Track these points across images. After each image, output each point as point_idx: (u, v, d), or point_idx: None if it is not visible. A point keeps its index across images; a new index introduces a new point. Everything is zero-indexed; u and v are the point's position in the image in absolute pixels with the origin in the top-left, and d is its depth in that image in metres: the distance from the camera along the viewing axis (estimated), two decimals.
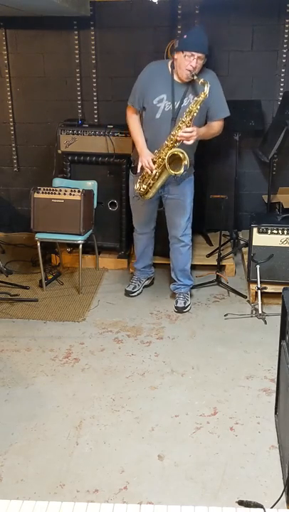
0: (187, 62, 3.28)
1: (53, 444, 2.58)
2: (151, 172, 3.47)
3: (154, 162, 3.46)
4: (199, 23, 4.49)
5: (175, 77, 3.42)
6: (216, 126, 3.55)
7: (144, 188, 3.58)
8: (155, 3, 4.13)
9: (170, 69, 3.44)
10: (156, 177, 3.49)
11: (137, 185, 3.60)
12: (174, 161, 3.38)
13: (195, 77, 3.29)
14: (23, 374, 3.15)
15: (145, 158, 3.47)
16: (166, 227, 3.87)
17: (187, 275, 3.96)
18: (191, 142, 3.32)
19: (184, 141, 3.32)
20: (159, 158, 3.43)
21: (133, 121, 3.61)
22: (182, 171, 3.37)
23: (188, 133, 3.28)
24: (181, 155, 3.33)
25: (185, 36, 3.33)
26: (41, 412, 2.81)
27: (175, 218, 3.75)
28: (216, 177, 4.87)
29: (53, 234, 4.09)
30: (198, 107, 3.29)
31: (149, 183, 3.53)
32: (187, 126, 3.31)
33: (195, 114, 3.30)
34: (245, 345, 3.42)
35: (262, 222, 3.89)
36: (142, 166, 3.50)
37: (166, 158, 3.34)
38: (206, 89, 3.24)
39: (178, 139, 3.33)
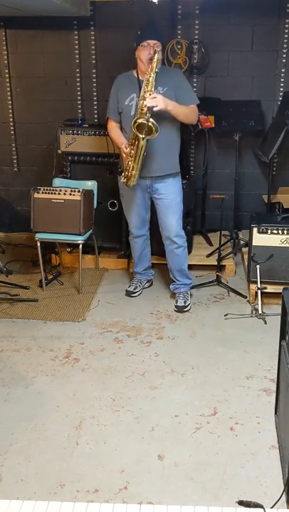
0: (146, 52, 3.43)
1: (53, 444, 2.58)
2: (128, 152, 3.50)
3: (130, 144, 3.51)
4: (199, 23, 4.50)
5: (141, 77, 3.55)
6: (189, 108, 3.57)
7: (126, 175, 3.60)
8: (155, 3, 4.13)
9: (135, 74, 3.62)
10: (132, 154, 3.49)
11: (122, 177, 3.65)
12: (145, 130, 3.36)
13: (154, 57, 3.34)
14: (23, 374, 3.15)
15: (122, 144, 3.58)
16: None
17: (185, 274, 3.96)
18: (159, 107, 3.33)
19: (153, 108, 3.32)
20: (132, 134, 3.47)
21: (111, 128, 3.76)
22: (155, 134, 3.35)
23: (153, 99, 3.32)
24: (146, 122, 3.32)
25: (138, 32, 3.52)
26: (41, 412, 2.81)
27: (166, 218, 3.76)
28: (216, 177, 4.88)
29: (53, 234, 4.09)
30: (154, 74, 3.35)
31: (129, 165, 3.54)
32: (151, 94, 3.36)
33: (153, 82, 3.35)
34: (245, 345, 3.42)
35: (262, 222, 3.89)
36: (123, 156, 3.59)
37: (132, 125, 3.36)
38: (156, 56, 3.34)
39: (145, 108, 3.33)
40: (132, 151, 3.48)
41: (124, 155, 3.57)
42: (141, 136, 3.37)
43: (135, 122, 3.35)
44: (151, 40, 3.44)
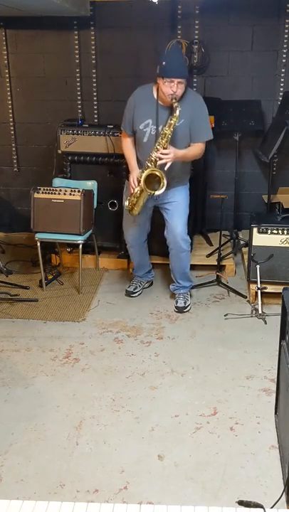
0: (168, 88, 3.32)
1: (53, 444, 2.58)
2: (134, 190, 3.54)
3: (138, 181, 3.53)
4: (199, 23, 4.50)
5: (160, 101, 3.48)
6: (195, 149, 3.56)
7: (129, 205, 3.64)
8: (155, 3, 4.13)
9: (155, 93, 3.49)
10: (137, 195, 3.55)
11: (126, 202, 3.67)
12: (155, 180, 3.44)
13: (175, 102, 3.31)
14: (23, 374, 3.15)
15: (132, 177, 3.58)
16: (164, 228, 3.85)
17: (187, 277, 3.96)
18: (168, 165, 3.37)
19: (160, 163, 3.37)
20: (141, 177, 3.50)
21: (125, 144, 3.71)
22: (161, 191, 3.43)
23: (164, 155, 3.35)
24: (158, 174, 3.41)
25: (164, 63, 3.33)
26: (41, 412, 2.81)
27: (171, 222, 3.75)
28: (216, 177, 4.88)
29: (53, 234, 4.09)
30: (172, 130, 3.35)
31: (133, 200, 3.59)
32: (164, 148, 3.37)
33: (169, 136, 3.36)
34: (245, 345, 3.42)
35: (262, 222, 3.89)
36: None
37: (143, 177, 3.43)
38: (177, 112, 3.29)
39: (154, 159, 3.40)
40: (138, 192, 3.51)
41: (130, 189, 3.57)
42: (148, 192, 3.43)
43: (146, 174, 3.40)
44: (177, 79, 3.30)
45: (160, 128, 3.44)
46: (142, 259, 4.07)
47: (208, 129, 3.58)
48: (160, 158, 3.36)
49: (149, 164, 3.44)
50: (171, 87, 3.30)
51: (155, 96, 3.49)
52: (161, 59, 3.36)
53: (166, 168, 3.37)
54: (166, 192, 3.61)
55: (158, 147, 3.38)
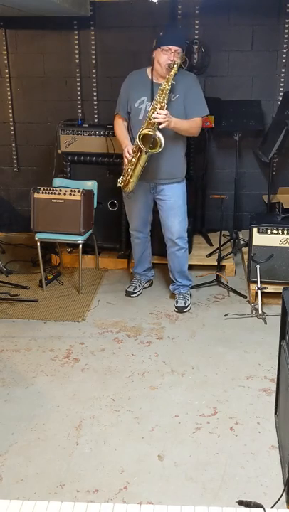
0: (166, 57, 3.34)
1: (53, 444, 2.58)
2: (129, 160, 3.49)
3: (133, 152, 3.50)
4: (199, 23, 4.50)
5: (154, 80, 3.49)
6: (191, 122, 3.54)
7: (123, 179, 3.60)
8: (155, 3, 4.13)
9: (149, 74, 3.53)
10: (133, 163, 3.49)
11: (119, 180, 3.64)
12: (151, 141, 3.37)
13: (174, 67, 3.30)
14: (23, 374, 3.15)
15: (125, 147, 3.56)
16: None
17: (185, 276, 3.96)
18: (163, 126, 3.31)
19: (157, 123, 3.30)
20: (136, 144, 3.46)
21: (118, 125, 3.71)
22: (158, 150, 3.35)
23: (162, 115, 3.29)
24: (152, 134, 3.32)
25: (161, 33, 3.39)
26: (41, 412, 2.81)
27: (168, 220, 3.75)
28: (216, 177, 4.88)
29: (53, 234, 4.09)
30: (168, 86, 3.32)
31: (128, 172, 3.53)
32: (161, 107, 3.32)
33: (167, 91, 3.32)
34: (245, 345, 3.42)
35: (262, 222, 3.89)
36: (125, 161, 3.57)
37: (138, 136, 3.36)
38: (175, 67, 3.30)
39: (152, 120, 3.32)
40: (134, 160, 3.47)
41: (125, 159, 3.55)
42: (144, 149, 3.36)
43: (140, 134, 3.33)
44: (174, 45, 3.33)
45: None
46: (144, 253, 4.07)
47: (203, 104, 3.58)
48: (157, 117, 3.28)
49: (144, 127, 3.37)
50: (168, 56, 3.32)
51: (149, 76, 3.52)
52: (159, 32, 3.41)
53: (161, 127, 3.29)
54: (163, 186, 3.63)
55: (156, 106, 3.33)
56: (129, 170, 3.52)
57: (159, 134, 3.30)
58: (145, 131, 3.33)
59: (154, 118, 3.28)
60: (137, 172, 3.51)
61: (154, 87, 3.46)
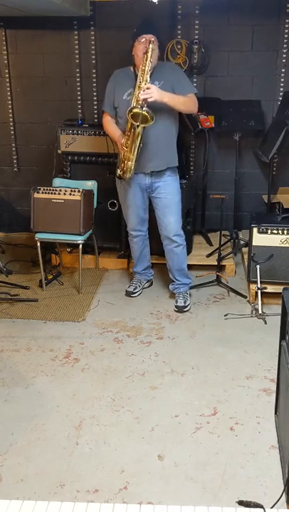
0: (141, 46, 3.43)
1: (53, 444, 2.58)
2: (124, 142, 3.51)
3: (126, 135, 3.52)
4: (199, 23, 4.50)
5: (138, 72, 3.51)
6: (186, 98, 3.56)
7: (121, 167, 3.59)
8: (155, 3, 4.12)
9: (132, 69, 3.61)
10: (128, 145, 3.49)
11: (118, 170, 3.65)
12: (141, 120, 3.37)
13: (150, 46, 3.37)
14: (23, 374, 3.15)
15: (118, 137, 3.61)
16: None
17: (185, 274, 3.96)
18: (153, 99, 3.34)
19: (148, 99, 3.33)
20: (127, 127, 3.48)
21: (108, 122, 3.75)
22: (151, 123, 3.35)
23: (147, 91, 3.33)
24: (140, 111, 3.32)
25: (134, 30, 3.53)
26: (41, 412, 2.81)
27: (164, 218, 3.77)
28: (216, 177, 4.88)
29: (53, 234, 4.09)
30: (148, 63, 3.38)
31: (125, 156, 3.53)
32: (145, 84, 3.37)
33: (148, 70, 3.38)
34: (245, 345, 3.42)
35: (262, 222, 3.89)
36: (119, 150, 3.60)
37: (127, 114, 3.36)
38: (150, 46, 3.37)
39: (139, 98, 3.34)
40: (128, 142, 3.48)
41: (120, 145, 3.57)
42: (136, 123, 3.37)
43: (130, 111, 3.35)
44: (147, 34, 3.44)
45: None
46: (142, 251, 4.08)
47: (190, 83, 3.72)
48: (142, 96, 3.31)
49: (134, 104, 3.38)
50: (144, 46, 3.41)
51: (133, 71, 3.59)
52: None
53: (150, 101, 3.32)
54: (158, 183, 3.67)
55: (140, 85, 3.38)
56: (125, 154, 3.52)
57: (146, 108, 3.31)
58: (134, 110, 3.35)
59: (141, 96, 3.32)
60: (134, 152, 3.50)
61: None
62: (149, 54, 3.38)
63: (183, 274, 3.95)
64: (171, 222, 3.76)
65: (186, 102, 3.56)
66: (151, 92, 3.33)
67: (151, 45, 3.38)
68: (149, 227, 4.01)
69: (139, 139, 3.46)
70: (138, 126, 3.38)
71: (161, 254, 4.09)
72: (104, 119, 3.78)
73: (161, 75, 3.52)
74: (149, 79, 3.40)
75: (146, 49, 3.40)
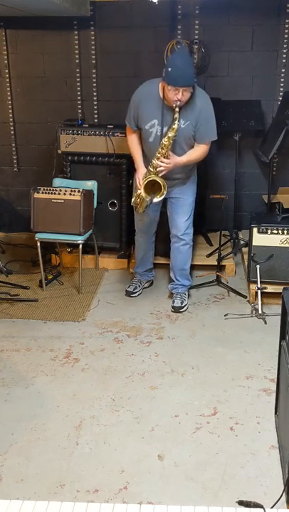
0: (173, 95, 3.27)
1: (53, 444, 2.58)
2: (139, 191, 3.59)
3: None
4: (199, 23, 4.50)
5: (165, 101, 3.41)
6: (198, 152, 3.57)
7: (136, 200, 3.68)
8: (155, 3, 4.12)
9: (161, 92, 3.42)
10: (141, 197, 3.59)
11: (133, 199, 3.71)
12: (156, 186, 3.49)
13: (176, 108, 3.30)
14: (23, 374, 3.15)
15: (137, 177, 3.63)
16: (168, 226, 3.89)
17: (186, 275, 3.96)
18: (164, 173, 3.45)
19: (160, 170, 3.44)
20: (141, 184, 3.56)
21: (131, 140, 3.70)
22: (159, 199, 3.50)
23: (164, 164, 3.42)
24: (159, 181, 3.46)
25: (169, 69, 3.24)
26: (41, 412, 2.81)
27: (176, 217, 3.79)
28: (216, 177, 4.88)
29: (53, 234, 4.09)
30: (171, 142, 3.39)
31: (140, 196, 3.61)
32: (165, 157, 3.42)
33: (169, 146, 3.41)
34: (245, 345, 3.42)
35: (262, 222, 3.89)
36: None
37: (142, 185, 3.50)
38: (175, 125, 3.32)
39: (155, 168, 3.46)
40: (141, 194, 3.55)
41: (137, 185, 3.62)
42: (146, 198, 3.50)
43: (144, 181, 3.47)
44: (183, 87, 3.25)
45: (164, 129, 3.43)
46: (146, 253, 4.08)
47: (213, 130, 3.55)
48: (160, 166, 3.43)
49: (151, 169, 3.48)
50: (176, 94, 3.25)
51: (161, 94, 3.42)
52: (167, 63, 3.29)
53: (160, 175, 3.46)
54: (173, 189, 3.69)
55: (158, 155, 3.42)
56: (138, 199, 3.63)
57: (164, 182, 3.45)
58: (150, 179, 3.47)
59: (158, 165, 3.43)
60: (144, 205, 3.63)
61: (164, 111, 3.41)
62: (172, 134, 3.33)
63: (184, 275, 3.95)
64: (182, 221, 3.79)
65: (198, 158, 3.59)
66: (168, 167, 3.43)
67: (176, 123, 3.30)
68: (156, 228, 4.01)
69: (147, 203, 3.57)
70: (149, 201, 3.52)
71: (163, 254, 4.09)
72: (129, 136, 3.69)
73: (189, 114, 3.40)
74: (168, 153, 3.43)
75: (176, 102, 3.25)
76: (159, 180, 3.46)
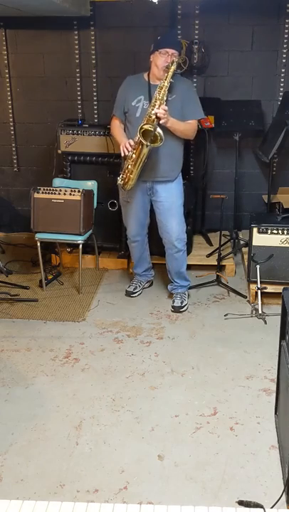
0: (163, 59, 3.40)
1: (53, 444, 2.58)
2: (130, 155, 3.48)
3: (132, 147, 3.49)
4: (199, 23, 4.50)
5: (151, 82, 3.53)
6: (186, 125, 3.57)
7: (123, 177, 3.59)
8: (155, 3, 4.13)
9: (146, 77, 3.58)
10: (133, 159, 3.48)
11: (119, 178, 3.62)
12: (150, 136, 3.37)
13: (172, 66, 3.36)
14: (23, 374, 3.15)
15: (123, 142, 3.53)
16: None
17: (183, 277, 3.96)
18: (163, 121, 3.36)
19: (160, 121, 3.35)
20: (137, 140, 3.46)
21: (115, 125, 3.74)
22: (159, 144, 3.37)
23: (162, 110, 3.33)
24: (152, 130, 3.34)
25: (159, 37, 3.50)
26: (41, 412, 2.81)
27: (166, 222, 3.74)
28: (216, 177, 4.88)
29: (53, 234, 4.09)
30: (167, 84, 3.37)
31: (128, 168, 3.52)
32: (160, 104, 3.36)
33: (166, 89, 3.37)
34: (245, 345, 3.42)
35: (262, 222, 3.89)
36: (123, 156, 3.54)
37: (139, 130, 3.36)
38: (173, 65, 3.37)
39: (153, 115, 3.35)
40: (134, 155, 3.47)
41: (122, 154, 3.53)
42: (145, 143, 3.37)
43: (141, 128, 3.35)
44: (171, 49, 3.41)
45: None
46: (142, 255, 4.07)
47: (199, 107, 3.64)
48: (157, 117, 3.32)
49: (144, 122, 3.38)
50: (166, 59, 3.39)
51: (146, 79, 3.57)
52: (157, 36, 3.54)
53: (161, 122, 3.35)
54: (159, 186, 3.65)
55: (155, 103, 3.37)
56: (129, 166, 3.52)
57: (159, 129, 3.33)
58: (146, 127, 3.35)
59: (156, 113, 3.32)
60: (138, 167, 3.50)
61: (152, 88, 3.48)
62: (170, 73, 3.36)
63: (181, 277, 3.95)
64: (173, 226, 3.73)
65: (185, 130, 3.57)
66: (164, 115, 3.33)
67: (173, 66, 3.36)
68: (149, 228, 3.99)
69: (144, 156, 3.46)
70: (146, 146, 3.39)
71: (161, 254, 4.08)
72: (113, 122, 3.75)
73: (176, 89, 3.48)
74: (166, 98, 3.38)
75: (167, 64, 3.37)
76: (154, 128, 3.31)
